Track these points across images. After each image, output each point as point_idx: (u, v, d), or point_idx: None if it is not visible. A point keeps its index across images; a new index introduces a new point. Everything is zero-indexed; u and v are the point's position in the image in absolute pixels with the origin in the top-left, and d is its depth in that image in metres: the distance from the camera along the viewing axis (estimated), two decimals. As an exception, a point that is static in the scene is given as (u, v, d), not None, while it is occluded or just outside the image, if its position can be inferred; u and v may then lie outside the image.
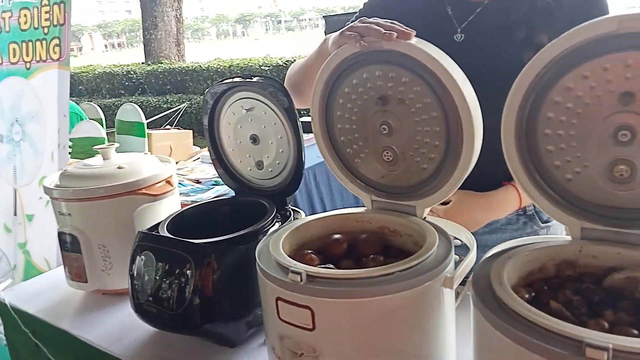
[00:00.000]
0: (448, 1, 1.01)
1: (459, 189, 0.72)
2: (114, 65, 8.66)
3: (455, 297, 0.70)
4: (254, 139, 0.97)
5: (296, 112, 0.87)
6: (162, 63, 7.91)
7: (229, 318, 0.81)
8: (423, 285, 0.60)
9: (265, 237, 0.74)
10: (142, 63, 8.45)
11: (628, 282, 0.55)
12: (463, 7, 0.99)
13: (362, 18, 0.72)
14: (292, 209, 0.97)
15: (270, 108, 0.92)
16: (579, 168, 0.62)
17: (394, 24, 0.70)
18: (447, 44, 0.69)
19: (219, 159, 1.04)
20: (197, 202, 1.04)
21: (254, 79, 0.91)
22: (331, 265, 0.68)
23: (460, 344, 0.69)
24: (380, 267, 0.61)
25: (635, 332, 0.49)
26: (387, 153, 0.76)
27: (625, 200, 0.61)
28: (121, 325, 0.96)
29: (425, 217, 0.77)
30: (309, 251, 0.73)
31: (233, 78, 0.96)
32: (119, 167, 1.02)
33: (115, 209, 1.00)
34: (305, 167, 0.94)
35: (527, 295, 0.57)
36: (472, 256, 0.68)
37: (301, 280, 0.59)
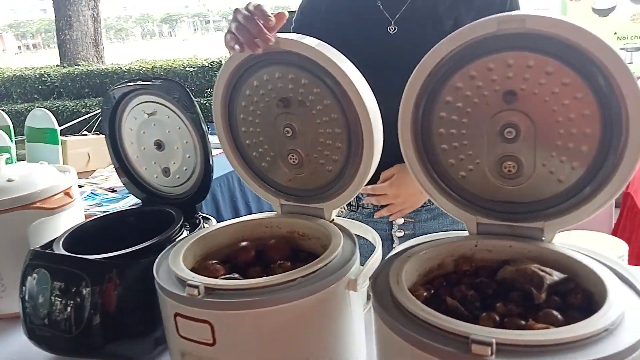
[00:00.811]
0: None
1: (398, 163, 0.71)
2: (26, 67, 8.05)
3: (368, 299, 0.70)
4: (159, 145, 0.93)
5: (201, 115, 0.84)
6: (79, 65, 7.45)
7: (133, 335, 0.76)
8: (326, 289, 0.59)
9: (166, 249, 0.71)
10: (57, 65, 7.92)
11: (518, 274, 0.57)
12: None
13: (237, 15, 0.70)
14: (203, 217, 0.94)
15: (174, 112, 0.88)
16: (471, 165, 0.64)
17: (265, 22, 0.67)
18: (381, 36, 0.68)
19: (123, 167, 0.98)
20: (109, 212, 0.98)
21: (155, 82, 0.87)
22: (236, 275, 0.66)
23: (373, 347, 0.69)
24: (282, 274, 0.59)
25: (523, 322, 0.51)
26: (293, 156, 0.75)
27: (515, 194, 0.63)
28: (18, 353, 0.88)
29: (333, 219, 0.76)
30: (214, 261, 0.70)
31: (135, 81, 0.91)
32: (9, 180, 0.93)
33: (5, 226, 0.91)
34: (228, 171, 0.91)
35: (425, 294, 0.58)
36: (377, 256, 0.68)
37: (199, 294, 0.56)
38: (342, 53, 0.67)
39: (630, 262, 1.82)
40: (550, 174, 0.60)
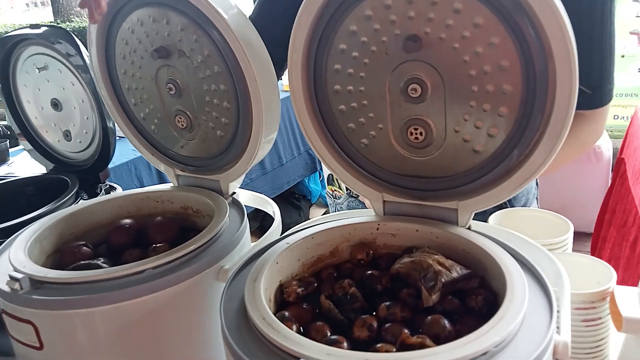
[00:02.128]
0: None
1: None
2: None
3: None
4: (55, 104, 0.81)
5: (92, 68, 0.72)
6: (72, 21, 7.25)
7: None
8: (184, 283, 0.49)
9: (25, 229, 0.60)
10: (51, 22, 7.71)
11: (414, 267, 0.46)
12: None
13: None
14: (110, 186, 0.83)
15: (65, 66, 0.76)
16: (373, 131, 0.52)
17: None
18: None
19: (24, 130, 0.87)
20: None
21: (40, 29, 0.75)
22: (101, 261, 0.56)
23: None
24: (129, 264, 0.49)
25: (406, 330, 0.41)
26: (180, 118, 0.63)
27: (425, 167, 0.51)
28: None
29: (233, 193, 0.65)
30: (81, 243, 0.59)
31: (24, 28, 0.78)
32: None
33: None
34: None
35: (300, 290, 0.47)
36: (272, 232, 0.57)
37: (21, 288, 0.46)
38: None
39: (611, 232, 1.70)
40: (465, 142, 0.48)
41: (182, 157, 0.68)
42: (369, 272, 0.48)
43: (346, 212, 0.58)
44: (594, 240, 2.00)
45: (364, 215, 0.55)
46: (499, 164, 0.47)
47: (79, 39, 0.73)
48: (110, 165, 1.31)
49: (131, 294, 0.47)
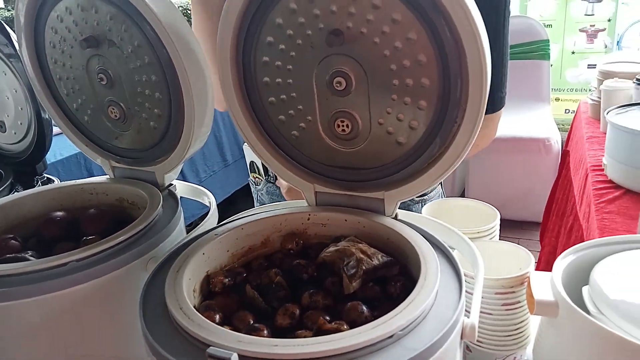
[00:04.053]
0: None
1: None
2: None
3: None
4: (-13, 94, 0.78)
5: (22, 57, 0.70)
6: None
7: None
8: (110, 274, 0.49)
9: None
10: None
11: (338, 255, 0.47)
12: None
13: None
14: (48, 178, 0.81)
15: (-5, 54, 0.73)
16: (303, 123, 0.53)
17: None
18: None
19: (-46, 120, 0.83)
20: None
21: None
22: (28, 254, 0.55)
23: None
24: (52, 257, 0.48)
25: (327, 317, 0.42)
26: (113, 109, 0.62)
27: (353, 159, 0.53)
28: None
29: (169, 185, 0.65)
30: (9, 236, 0.58)
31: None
32: None
33: None
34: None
35: (227, 280, 0.47)
36: (209, 218, 0.58)
37: None
38: None
39: (555, 221, 1.78)
40: (389, 134, 0.49)
41: (117, 148, 0.67)
42: (296, 261, 0.49)
43: (279, 203, 0.59)
44: (542, 229, 2.09)
45: (296, 206, 0.56)
46: (420, 155, 0.49)
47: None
48: (58, 158, 1.28)
49: (53, 286, 0.46)
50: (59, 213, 0.62)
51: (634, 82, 1.37)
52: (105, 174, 0.69)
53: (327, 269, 0.48)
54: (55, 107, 0.66)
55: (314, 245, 0.54)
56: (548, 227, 1.97)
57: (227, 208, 1.77)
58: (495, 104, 0.73)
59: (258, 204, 1.04)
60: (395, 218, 0.53)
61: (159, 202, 0.58)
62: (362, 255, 0.46)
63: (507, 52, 0.69)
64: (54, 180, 0.80)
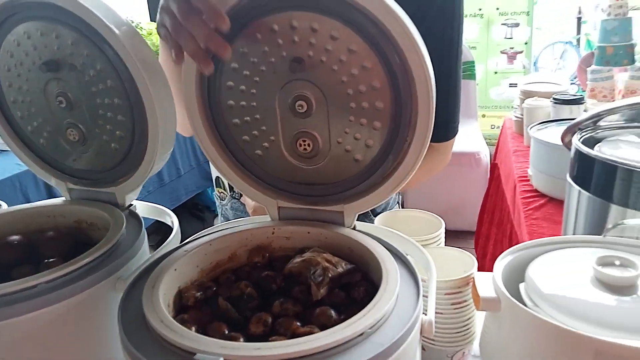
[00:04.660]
0: None
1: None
2: None
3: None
4: None
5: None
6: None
7: None
8: (79, 295, 0.49)
9: None
10: None
11: (304, 265, 0.51)
12: None
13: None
14: (-5, 203, 0.79)
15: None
16: (266, 143, 0.56)
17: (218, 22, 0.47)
18: None
19: None
20: None
21: None
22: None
23: None
24: (23, 279, 0.48)
25: (298, 323, 0.45)
26: (72, 131, 0.63)
27: (314, 175, 0.57)
28: None
29: (130, 205, 0.66)
30: (-38, 262, 0.57)
31: None
32: None
33: None
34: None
35: (199, 294, 0.50)
36: (173, 237, 0.59)
37: None
38: None
39: (493, 230, 1.92)
40: (347, 152, 0.54)
41: (74, 170, 0.67)
42: (265, 273, 0.52)
43: (244, 219, 0.62)
44: (476, 237, 2.22)
45: (260, 221, 0.59)
46: (376, 170, 0.54)
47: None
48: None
49: (23, 309, 0.46)
50: (15, 237, 0.61)
51: (552, 101, 1.53)
52: (45, 199, 0.69)
53: (294, 278, 0.52)
54: (8, 130, 0.66)
55: (278, 257, 0.57)
56: (481, 234, 2.10)
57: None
58: (449, 132, 0.81)
59: (222, 219, 1.06)
60: (354, 229, 0.57)
61: (123, 222, 0.59)
62: (327, 264, 0.50)
63: (459, 89, 0.77)
64: (0, 205, 0.78)
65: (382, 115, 0.51)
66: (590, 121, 0.86)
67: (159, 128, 0.58)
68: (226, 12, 0.49)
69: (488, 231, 2.01)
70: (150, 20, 2.91)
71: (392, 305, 0.43)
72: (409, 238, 0.57)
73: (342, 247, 0.55)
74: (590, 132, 0.87)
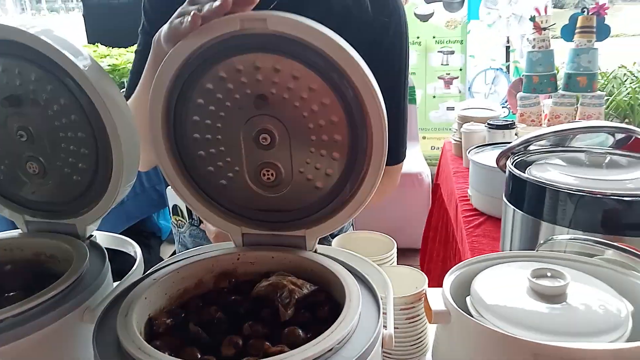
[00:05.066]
0: None
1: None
2: None
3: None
4: None
5: None
6: None
7: None
8: (49, 327, 0.49)
9: None
10: None
11: (271, 288, 0.54)
12: None
13: None
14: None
15: None
16: (231, 173, 0.59)
17: None
18: None
19: None
20: None
21: None
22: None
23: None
24: (-16, 316, 0.48)
25: (267, 344, 0.48)
26: (32, 164, 0.63)
27: (277, 203, 0.60)
28: None
29: (90, 236, 0.66)
30: None
31: None
32: None
33: None
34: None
35: (169, 321, 0.51)
36: (137, 267, 0.60)
37: None
38: None
39: (438, 248, 2.01)
40: (308, 181, 0.58)
41: (33, 202, 0.66)
42: (233, 297, 0.55)
43: (208, 246, 0.64)
44: (421, 254, 2.32)
45: (225, 248, 0.62)
46: (335, 197, 0.58)
47: None
48: None
49: (-10, 346, 0.46)
50: (-30, 273, 0.60)
51: (486, 126, 1.65)
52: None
53: (261, 301, 0.55)
54: (-39, 163, 0.64)
55: (244, 282, 0.59)
56: (427, 251, 2.20)
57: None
58: (398, 157, 0.88)
59: (180, 246, 1.06)
60: (315, 252, 0.61)
61: (87, 253, 0.60)
62: (293, 287, 0.53)
63: (406, 117, 0.85)
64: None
65: (340, 146, 0.55)
66: (521, 146, 0.95)
67: (124, 160, 0.59)
68: (194, 52, 0.52)
69: (433, 248, 2.11)
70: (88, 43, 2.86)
71: (356, 321, 0.47)
72: (366, 259, 0.62)
73: (305, 270, 0.58)
74: (522, 156, 0.96)
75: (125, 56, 4.74)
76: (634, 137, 0.92)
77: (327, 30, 0.51)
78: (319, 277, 0.57)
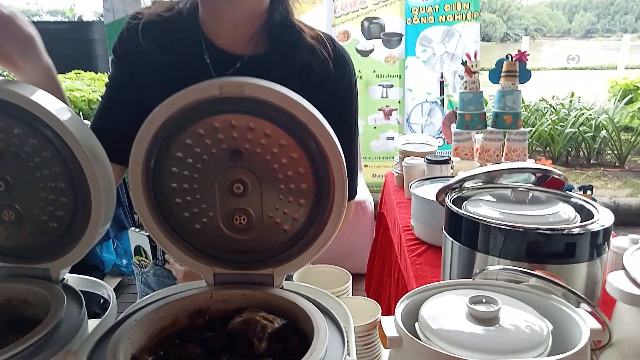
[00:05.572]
0: (207, 49, 0.93)
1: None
2: None
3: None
4: None
5: None
6: None
7: None
8: (35, 372, 0.52)
9: None
10: None
11: (245, 324, 0.59)
12: (223, 57, 0.93)
13: None
14: None
15: None
16: (205, 218, 0.65)
17: None
18: None
19: None
20: None
21: None
22: None
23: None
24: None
25: (246, 375, 0.53)
26: (9, 212, 0.65)
27: (247, 244, 0.66)
28: None
29: (64, 279, 0.69)
30: None
31: None
32: None
33: None
34: None
35: (150, 359, 0.55)
36: (112, 309, 0.63)
37: None
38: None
39: (384, 274, 2.11)
40: (276, 224, 0.65)
41: (5, 248, 0.68)
42: (209, 334, 0.60)
43: (180, 285, 0.68)
44: (367, 279, 2.41)
45: (197, 287, 0.67)
46: (301, 238, 0.65)
47: None
48: None
49: (-21, 392, 0.48)
50: (-58, 320, 0.61)
51: (425, 161, 1.80)
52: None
53: (235, 336, 0.60)
54: None
55: (216, 318, 0.64)
56: (373, 276, 2.30)
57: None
58: (352, 193, 0.96)
59: (143, 286, 1.07)
60: (282, 288, 0.67)
61: (63, 297, 0.63)
62: (265, 322, 0.59)
63: (357, 156, 0.94)
64: None
65: (306, 193, 0.63)
66: (457, 184, 1.07)
67: (102, 207, 0.63)
68: (176, 112, 0.58)
69: (379, 273, 2.21)
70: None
71: (324, 351, 0.54)
72: (327, 292, 0.69)
73: (274, 305, 0.64)
74: (458, 193, 1.08)
75: (64, 83, 4.60)
76: (551, 176, 1.06)
77: (296, 95, 0.59)
78: (288, 312, 0.63)
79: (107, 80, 0.98)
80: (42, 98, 0.60)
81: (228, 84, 0.58)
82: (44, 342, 0.55)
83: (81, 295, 0.66)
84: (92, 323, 0.64)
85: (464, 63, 2.00)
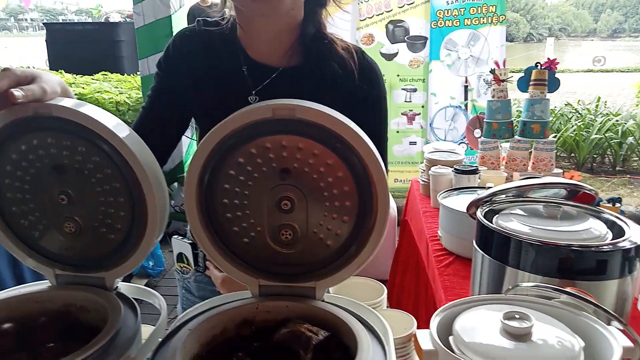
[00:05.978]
0: (245, 61, 0.98)
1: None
2: None
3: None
4: None
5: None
6: None
7: None
8: (100, 376, 0.56)
9: None
10: None
11: (291, 335, 0.63)
12: (259, 69, 0.98)
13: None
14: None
15: None
16: (253, 232, 0.68)
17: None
18: (241, 104, 0.66)
19: None
20: None
21: None
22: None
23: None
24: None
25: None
26: (69, 224, 0.69)
27: (292, 258, 0.69)
28: None
29: (117, 288, 0.73)
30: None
31: None
32: None
33: None
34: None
35: (203, 366, 0.59)
36: (160, 325, 0.67)
37: None
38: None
39: (409, 282, 2.12)
40: (320, 239, 0.68)
41: (64, 257, 0.72)
42: (256, 343, 0.63)
43: (226, 296, 0.72)
44: (389, 285, 2.43)
45: (243, 298, 0.70)
46: (343, 254, 0.68)
47: None
48: None
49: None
50: (8, 325, 0.65)
51: (453, 170, 1.81)
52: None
53: (281, 346, 0.63)
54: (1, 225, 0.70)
55: (262, 328, 0.68)
56: (395, 283, 2.31)
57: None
58: None
59: (184, 291, 1.12)
60: (323, 301, 0.70)
61: (120, 304, 0.66)
62: (310, 333, 0.62)
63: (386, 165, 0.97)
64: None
65: (350, 211, 0.66)
66: (489, 197, 1.08)
67: (157, 219, 0.67)
68: (230, 134, 0.62)
69: (402, 280, 2.23)
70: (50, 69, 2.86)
71: (368, 363, 0.56)
72: (366, 306, 0.71)
73: (317, 317, 0.67)
74: (489, 206, 1.09)
75: (92, 85, 4.72)
76: (582, 191, 1.07)
77: (343, 117, 0.62)
78: (330, 324, 0.66)
79: (149, 91, 1.04)
80: (103, 115, 0.64)
81: (280, 107, 0.61)
82: (106, 349, 0.59)
83: (135, 303, 0.70)
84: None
85: (492, 71, 2.00)
